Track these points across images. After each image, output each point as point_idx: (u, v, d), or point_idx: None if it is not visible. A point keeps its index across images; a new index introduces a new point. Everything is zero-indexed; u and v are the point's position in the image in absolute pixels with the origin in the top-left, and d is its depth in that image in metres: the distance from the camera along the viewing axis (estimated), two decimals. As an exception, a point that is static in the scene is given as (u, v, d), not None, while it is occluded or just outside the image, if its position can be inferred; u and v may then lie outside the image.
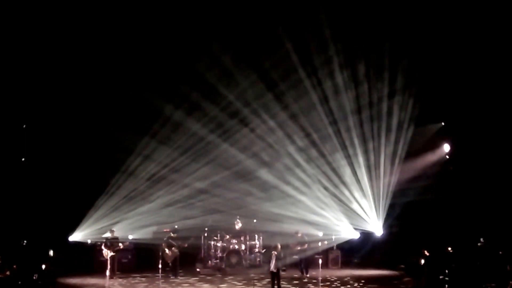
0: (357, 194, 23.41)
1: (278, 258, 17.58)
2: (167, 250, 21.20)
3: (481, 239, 19.75)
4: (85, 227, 22.49)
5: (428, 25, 20.89)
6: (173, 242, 21.32)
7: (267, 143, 23.72)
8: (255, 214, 23.37)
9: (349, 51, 22.18)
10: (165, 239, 21.51)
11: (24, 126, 22.59)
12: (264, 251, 20.67)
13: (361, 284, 19.43)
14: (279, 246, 17.92)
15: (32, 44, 20.95)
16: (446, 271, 17.50)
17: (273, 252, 17.67)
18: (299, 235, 21.83)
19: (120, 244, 21.00)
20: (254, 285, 19.13)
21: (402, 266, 21.54)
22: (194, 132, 23.46)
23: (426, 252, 18.89)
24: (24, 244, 20.82)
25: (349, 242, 23.44)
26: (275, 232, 22.16)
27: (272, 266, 17.55)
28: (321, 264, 20.35)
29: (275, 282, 17.55)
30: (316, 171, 23.56)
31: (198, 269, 22.39)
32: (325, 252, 23.08)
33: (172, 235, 21.64)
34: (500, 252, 18.46)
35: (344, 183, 23.44)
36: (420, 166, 23.82)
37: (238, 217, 22.86)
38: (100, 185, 22.69)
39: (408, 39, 21.26)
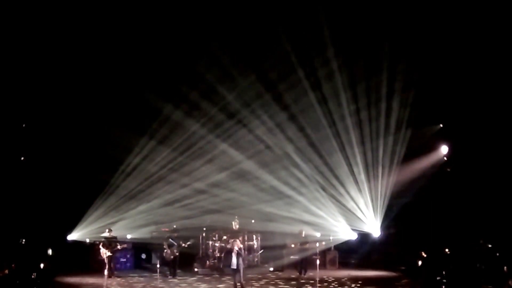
0: (355, 195, 23.44)
1: (239, 255, 18.20)
2: (167, 249, 21.24)
3: (480, 241, 19.82)
4: (84, 226, 22.48)
5: (427, 26, 20.91)
6: (174, 242, 21.37)
7: (266, 143, 23.73)
8: (253, 214, 23.39)
9: (348, 52, 22.18)
10: (166, 237, 21.58)
11: (24, 125, 22.59)
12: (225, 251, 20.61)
13: (359, 285, 19.46)
14: (239, 243, 18.63)
15: (31, 44, 20.92)
16: (444, 272, 17.57)
17: (234, 249, 18.20)
18: (303, 235, 21.88)
19: (118, 245, 21.01)
20: (252, 285, 19.18)
21: (400, 267, 21.60)
22: (193, 132, 23.47)
23: (423, 253, 18.97)
24: (23, 243, 20.78)
25: (347, 243, 23.43)
26: (274, 232, 22.24)
27: (233, 264, 18.10)
28: (319, 264, 20.35)
29: (237, 279, 18.07)
30: (314, 171, 23.60)
31: (196, 269, 22.39)
32: (323, 253, 23.09)
33: (173, 234, 21.71)
34: (497, 254, 18.52)
35: (342, 184, 23.47)
36: (418, 168, 23.85)
37: (236, 217, 22.87)
38: (98, 184, 22.68)
39: (406, 40, 21.28)
